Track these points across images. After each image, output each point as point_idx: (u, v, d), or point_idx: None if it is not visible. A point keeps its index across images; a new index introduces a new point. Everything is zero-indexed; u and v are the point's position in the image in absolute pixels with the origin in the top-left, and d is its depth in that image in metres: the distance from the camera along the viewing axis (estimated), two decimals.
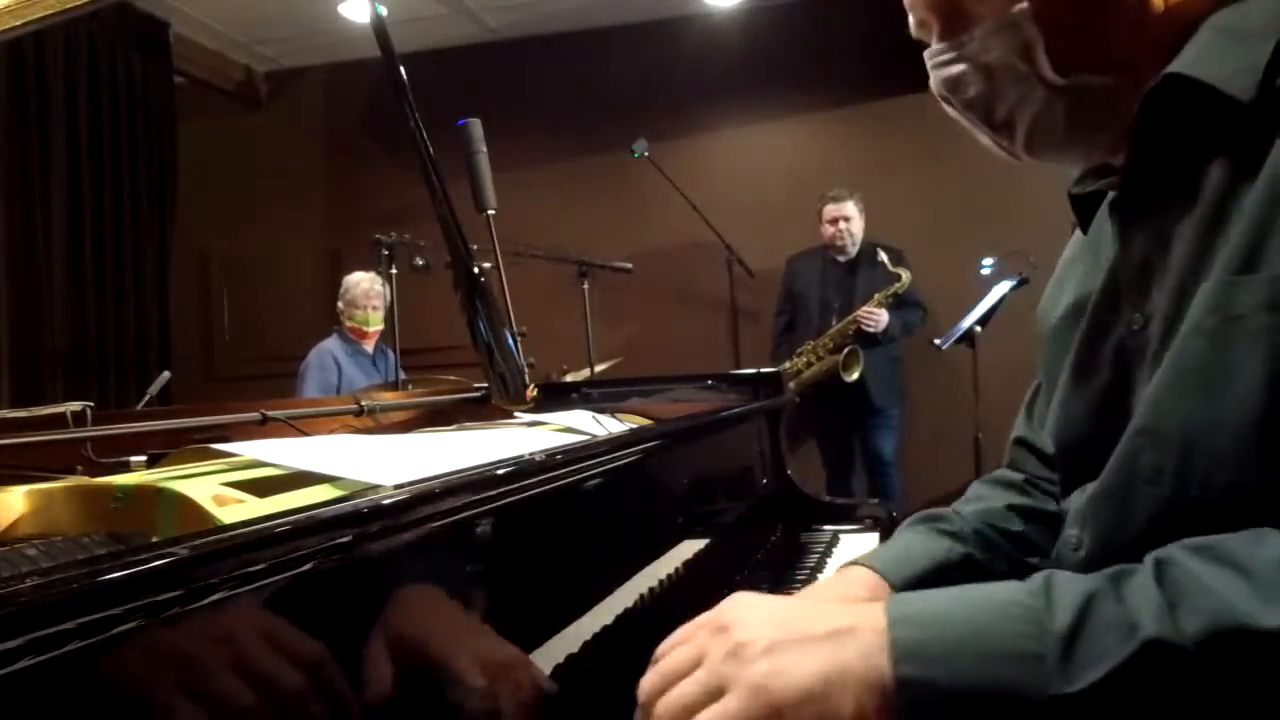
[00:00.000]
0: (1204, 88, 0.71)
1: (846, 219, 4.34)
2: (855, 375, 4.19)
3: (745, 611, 0.70)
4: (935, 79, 0.84)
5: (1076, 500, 0.83)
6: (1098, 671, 0.58)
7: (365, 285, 4.16)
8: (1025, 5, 0.76)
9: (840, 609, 0.69)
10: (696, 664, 0.67)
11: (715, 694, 0.64)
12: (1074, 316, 0.87)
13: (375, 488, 0.73)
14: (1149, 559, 0.63)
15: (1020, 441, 1.04)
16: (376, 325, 4.19)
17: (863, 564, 0.92)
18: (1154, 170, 0.76)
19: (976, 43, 0.79)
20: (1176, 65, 0.72)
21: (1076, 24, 0.77)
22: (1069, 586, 0.62)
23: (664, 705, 0.67)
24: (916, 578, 0.90)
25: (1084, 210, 0.88)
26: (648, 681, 0.70)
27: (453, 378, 2.65)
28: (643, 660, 0.71)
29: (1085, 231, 0.88)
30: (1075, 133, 0.80)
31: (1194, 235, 0.72)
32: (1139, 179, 0.78)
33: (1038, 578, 0.64)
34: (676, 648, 0.70)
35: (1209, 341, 0.68)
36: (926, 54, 0.85)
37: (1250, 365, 0.66)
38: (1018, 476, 1.03)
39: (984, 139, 0.85)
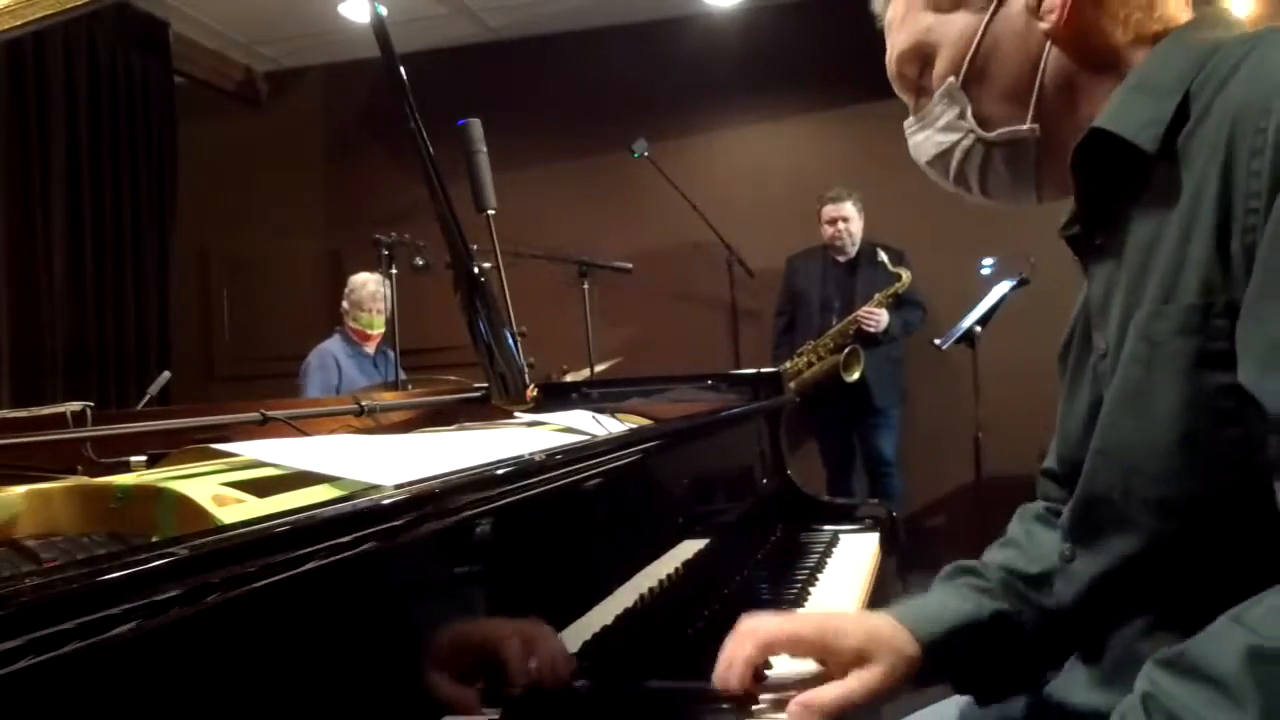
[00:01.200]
0: (1119, 140, 0.79)
1: (845, 219, 4.34)
2: (856, 375, 4.19)
3: None
4: (910, 147, 0.97)
5: (1065, 514, 0.89)
6: None
7: (372, 288, 4.10)
8: (952, 79, 0.90)
9: None
10: None
11: None
12: (1070, 344, 0.95)
13: (375, 488, 0.73)
14: (1138, 693, 0.68)
15: (1044, 472, 1.07)
16: (379, 329, 4.14)
17: (893, 616, 0.92)
18: (1098, 213, 0.85)
19: (930, 114, 0.93)
20: (1099, 119, 0.81)
21: (991, 87, 0.89)
22: None
23: None
24: (943, 635, 0.91)
25: (1079, 250, 0.92)
26: None
27: (453, 378, 2.65)
28: (643, 660, 0.71)
29: (1085, 268, 0.91)
30: (1019, 176, 0.91)
31: (1130, 272, 0.80)
32: (1088, 221, 0.87)
33: None
34: None
35: (1140, 368, 0.76)
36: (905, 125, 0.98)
37: (1167, 387, 0.73)
38: (1038, 507, 1.06)
39: (959, 192, 0.96)
